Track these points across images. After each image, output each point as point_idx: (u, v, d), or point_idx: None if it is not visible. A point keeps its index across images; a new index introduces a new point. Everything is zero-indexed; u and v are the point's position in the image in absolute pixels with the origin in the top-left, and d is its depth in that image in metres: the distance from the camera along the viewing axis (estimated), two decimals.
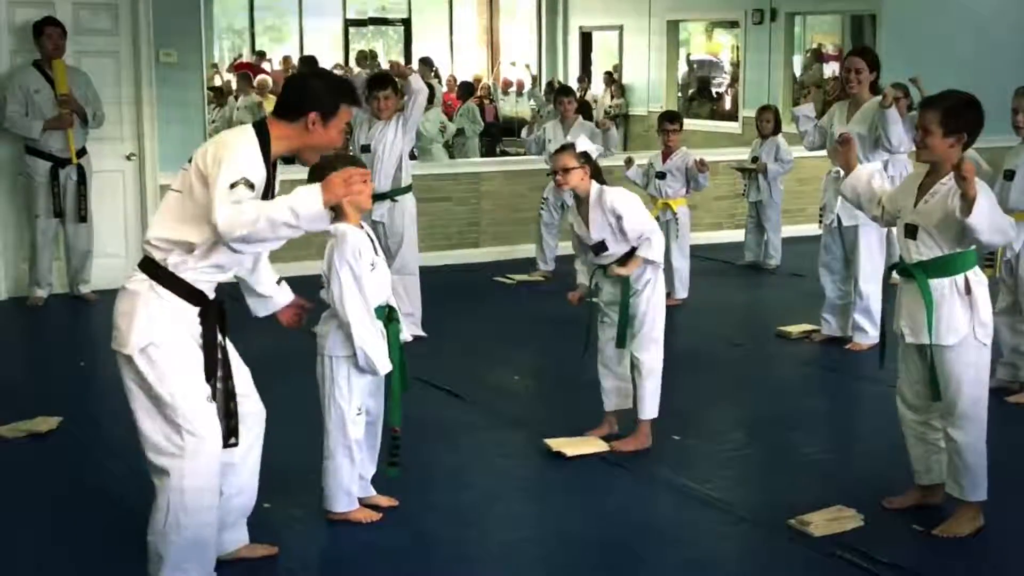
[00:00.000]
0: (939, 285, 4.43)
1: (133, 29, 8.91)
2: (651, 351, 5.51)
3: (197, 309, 3.93)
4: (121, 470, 5.27)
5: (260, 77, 14.98)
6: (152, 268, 3.91)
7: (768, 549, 4.51)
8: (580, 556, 4.44)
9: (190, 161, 3.88)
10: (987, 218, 4.21)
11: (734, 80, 17.22)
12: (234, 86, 15.08)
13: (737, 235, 10.58)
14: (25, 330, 8.17)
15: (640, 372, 5.50)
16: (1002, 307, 6.32)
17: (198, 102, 9.31)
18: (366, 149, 7.44)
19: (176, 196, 3.88)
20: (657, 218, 8.63)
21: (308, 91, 3.96)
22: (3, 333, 8.07)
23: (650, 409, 5.52)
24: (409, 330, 7.47)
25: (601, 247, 5.37)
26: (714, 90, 18.51)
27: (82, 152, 8.54)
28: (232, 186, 3.70)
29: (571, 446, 5.46)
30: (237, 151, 3.79)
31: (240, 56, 18.70)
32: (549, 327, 7.74)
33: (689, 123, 16.41)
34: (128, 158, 9.02)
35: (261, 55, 18.03)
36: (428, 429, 5.80)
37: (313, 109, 3.92)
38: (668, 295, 8.53)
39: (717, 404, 6.40)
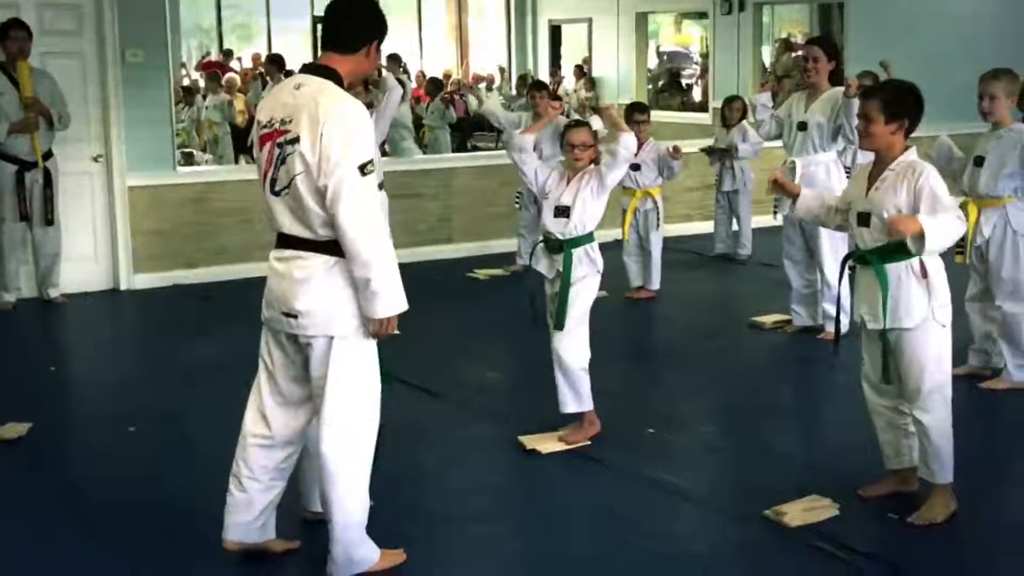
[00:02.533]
0: (895, 269, 4.47)
1: (98, 30, 8.84)
2: (568, 343, 5.44)
3: None
4: (92, 475, 5.24)
5: (228, 75, 14.91)
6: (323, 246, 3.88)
7: (744, 541, 4.50)
8: (555, 551, 4.42)
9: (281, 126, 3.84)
10: (938, 241, 4.28)
11: (704, 71, 17.22)
12: (202, 85, 14.99)
13: (707, 226, 10.59)
14: None
15: (560, 365, 5.44)
16: (973, 293, 6.36)
17: (165, 102, 9.23)
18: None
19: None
20: (636, 209, 8.65)
21: (368, 18, 3.96)
22: None
23: (572, 403, 5.47)
24: None
25: (565, 211, 5.42)
26: (684, 81, 18.50)
27: (48, 155, 8.46)
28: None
29: (545, 442, 5.44)
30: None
31: (208, 55, 18.58)
32: (521, 322, 7.67)
33: (660, 115, 16.44)
34: (95, 160, 8.95)
35: (228, 54, 17.93)
36: (401, 428, 5.75)
37: (375, 37, 3.93)
38: (642, 287, 8.65)
39: (691, 396, 6.39)
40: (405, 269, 8.86)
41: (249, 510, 4.15)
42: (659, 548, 4.43)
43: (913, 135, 4.63)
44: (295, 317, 3.92)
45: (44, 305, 8.59)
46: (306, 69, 4.01)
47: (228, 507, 4.17)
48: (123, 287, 9.06)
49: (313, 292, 3.89)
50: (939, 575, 4.17)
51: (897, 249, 4.46)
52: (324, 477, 4.00)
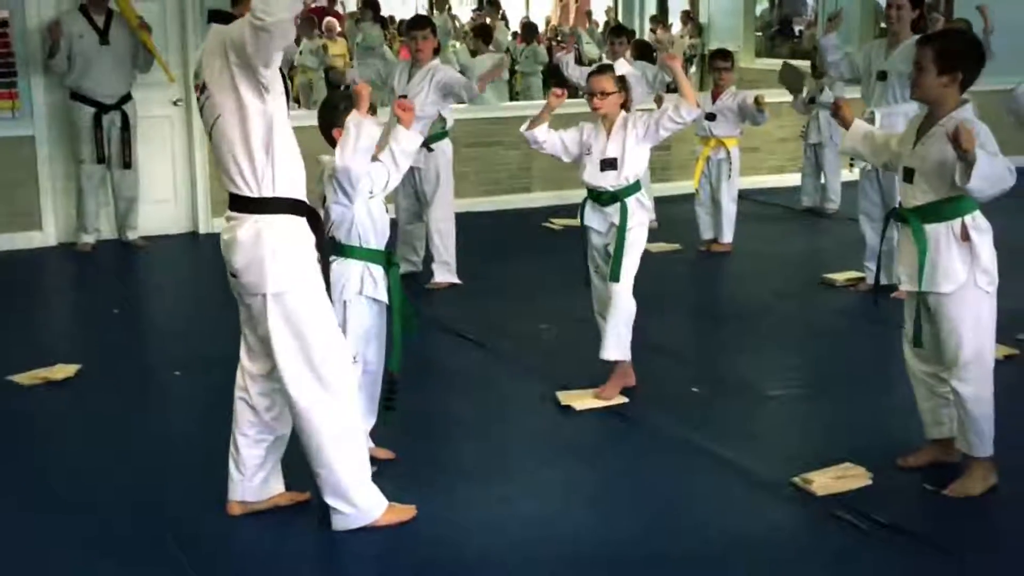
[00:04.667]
0: (934, 231, 4.24)
1: None
2: (622, 290, 5.34)
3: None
4: (128, 419, 5.29)
5: (327, 19, 14.86)
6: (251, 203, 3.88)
7: (763, 508, 4.33)
8: (566, 512, 4.32)
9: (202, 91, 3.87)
10: (986, 180, 4.00)
11: (816, 15, 16.71)
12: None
13: (799, 179, 10.27)
14: (68, 276, 8.22)
15: (611, 312, 5.33)
16: None
17: None
18: (404, 98, 7.32)
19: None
20: (708, 158, 8.42)
21: None
22: (47, 278, 8.15)
23: (614, 349, 5.35)
24: (444, 277, 7.47)
25: (612, 163, 5.30)
26: (796, 28, 18.01)
27: (127, 98, 8.55)
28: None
29: (582, 399, 5.33)
30: None
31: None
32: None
33: (768, 62, 16.04)
34: (175, 103, 9.01)
35: None
36: (442, 378, 5.73)
37: None
38: (715, 240, 8.44)
39: (745, 355, 6.20)
40: (481, 218, 8.95)
41: (243, 467, 4.16)
42: (669, 512, 4.31)
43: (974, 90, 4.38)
44: (236, 276, 3.96)
45: (122, 247, 8.72)
46: (209, 18, 3.97)
47: (229, 468, 4.20)
48: (202, 231, 9.14)
49: (244, 251, 3.88)
50: (968, 549, 3.96)
51: (938, 209, 4.23)
52: (299, 430, 4.01)
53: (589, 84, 5.38)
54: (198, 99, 3.95)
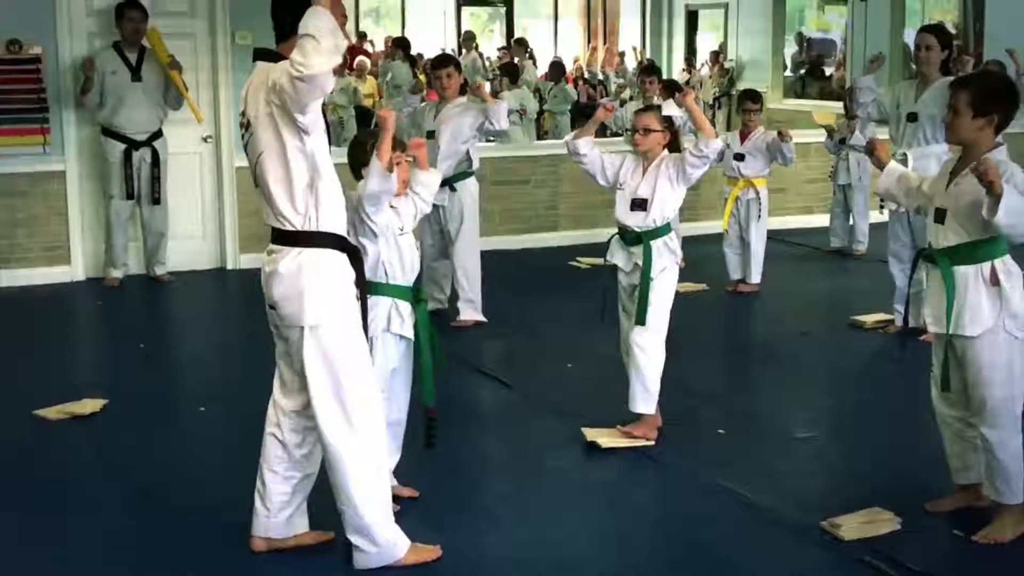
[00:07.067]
0: (963, 273, 4.20)
1: (210, 11, 8.95)
2: (647, 339, 5.29)
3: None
4: (150, 455, 5.27)
5: (359, 59, 14.91)
6: (293, 236, 3.90)
7: (792, 552, 4.28)
8: (592, 553, 4.28)
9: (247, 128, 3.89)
10: (1014, 215, 3.97)
11: (844, 57, 16.72)
12: None
13: (827, 220, 10.23)
14: (95, 310, 8.25)
15: (635, 361, 5.29)
16: None
17: None
18: (432, 135, 7.36)
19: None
20: (738, 198, 8.41)
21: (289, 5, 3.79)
22: (75, 313, 8.18)
23: (641, 403, 5.30)
24: (469, 315, 7.46)
25: (642, 204, 5.27)
26: (826, 69, 18.04)
27: (157, 135, 8.61)
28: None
29: (608, 437, 5.30)
30: None
31: None
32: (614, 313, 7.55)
33: (796, 103, 16.08)
34: (205, 140, 9.07)
35: (363, 36, 18.01)
36: (467, 416, 5.70)
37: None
38: (742, 280, 8.40)
39: (772, 397, 6.16)
40: (508, 256, 8.94)
41: (268, 503, 4.14)
42: (693, 553, 4.27)
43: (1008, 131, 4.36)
44: (274, 308, 3.95)
45: (150, 282, 8.75)
46: (254, 57, 3.98)
47: (254, 503, 4.18)
48: (230, 267, 9.17)
49: (285, 283, 3.89)
50: None
51: (969, 251, 4.20)
52: (327, 465, 4.00)
53: (634, 120, 5.38)
54: (242, 136, 3.95)
